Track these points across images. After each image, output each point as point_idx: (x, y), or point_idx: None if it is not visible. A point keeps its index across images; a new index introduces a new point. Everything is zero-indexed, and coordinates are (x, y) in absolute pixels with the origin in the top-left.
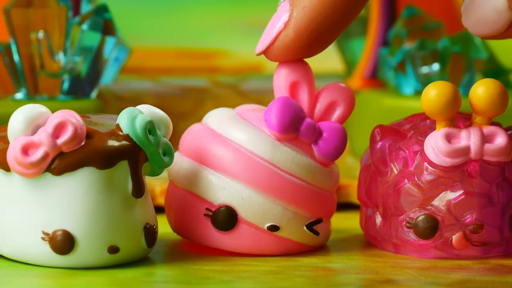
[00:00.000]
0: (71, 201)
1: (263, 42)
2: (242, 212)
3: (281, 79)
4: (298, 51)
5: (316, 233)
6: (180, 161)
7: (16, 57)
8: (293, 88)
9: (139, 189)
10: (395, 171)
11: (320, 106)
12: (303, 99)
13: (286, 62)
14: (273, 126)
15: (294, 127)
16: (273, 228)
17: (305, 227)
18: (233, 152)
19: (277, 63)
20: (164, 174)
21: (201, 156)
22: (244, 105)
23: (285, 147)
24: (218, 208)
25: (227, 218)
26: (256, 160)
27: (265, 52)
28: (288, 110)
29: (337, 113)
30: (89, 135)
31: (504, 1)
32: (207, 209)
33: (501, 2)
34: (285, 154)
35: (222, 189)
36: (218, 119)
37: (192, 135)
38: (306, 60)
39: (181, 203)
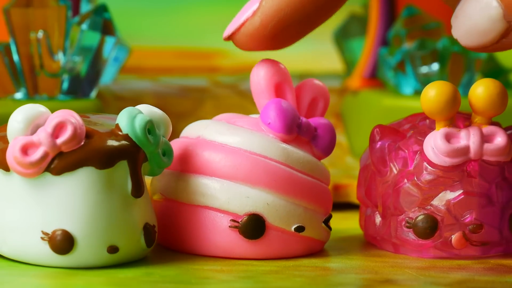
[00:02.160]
0: (70, 201)
1: (230, 27)
2: (269, 217)
3: (264, 82)
4: (263, 40)
5: (330, 228)
6: (181, 177)
7: (15, 57)
8: (278, 89)
9: (138, 189)
10: (395, 171)
11: (302, 105)
12: (288, 99)
13: (263, 64)
14: (278, 128)
15: (296, 126)
16: (300, 229)
17: (322, 224)
18: (248, 160)
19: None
20: None
21: (212, 169)
22: (220, 115)
23: (292, 148)
24: (245, 217)
25: (256, 226)
26: (273, 164)
27: (231, 37)
28: (287, 111)
29: (319, 109)
30: (89, 135)
31: (499, 10)
32: (232, 220)
33: (495, 11)
34: (295, 154)
35: (246, 198)
36: (215, 130)
37: (187, 150)
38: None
39: (193, 220)
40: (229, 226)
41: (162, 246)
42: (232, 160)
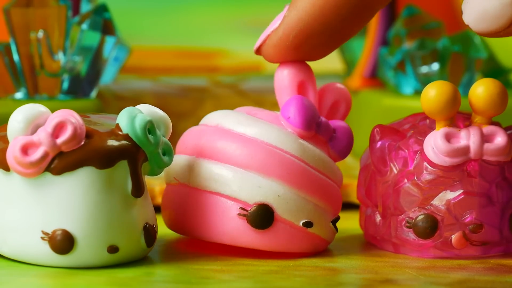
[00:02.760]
0: (70, 201)
1: (259, 40)
2: (279, 209)
3: (288, 79)
4: (287, 51)
5: (336, 229)
6: (196, 163)
7: (15, 57)
8: (301, 87)
9: (138, 189)
10: (395, 171)
11: (324, 106)
12: (310, 98)
13: (289, 63)
14: (297, 123)
15: (315, 124)
16: (308, 224)
17: (330, 224)
18: (264, 151)
19: (277, 64)
20: (164, 174)
21: (227, 157)
22: (243, 107)
23: (309, 144)
24: (254, 206)
25: (265, 216)
26: (288, 158)
27: (258, 49)
28: (308, 108)
29: (340, 112)
30: (89, 135)
31: None
32: (241, 208)
33: None
34: (311, 151)
35: (258, 188)
36: (234, 120)
37: (207, 137)
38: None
39: (203, 205)
40: (238, 214)
41: (166, 245)
42: (248, 149)
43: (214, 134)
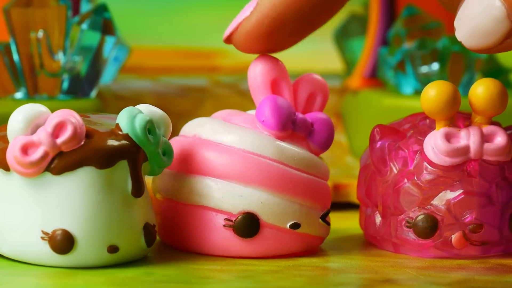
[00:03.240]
0: (70, 201)
1: (229, 28)
2: (264, 215)
3: (260, 78)
4: (259, 39)
5: (328, 223)
6: (178, 177)
7: (15, 57)
8: (274, 85)
9: (138, 189)
10: (395, 171)
11: (300, 100)
12: (285, 95)
13: (259, 61)
14: (272, 125)
15: (291, 123)
16: (295, 226)
17: (320, 220)
18: (241, 158)
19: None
20: None
21: (206, 169)
22: (218, 112)
23: (287, 145)
24: (238, 216)
25: (250, 225)
26: (266, 162)
27: (229, 38)
28: (282, 108)
29: (317, 104)
30: (89, 135)
31: (502, 9)
32: (226, 219)
33: (498, 11)
34: (289, 151)
35: (239, 197)
36: (210, 128)
37: (184, 149)
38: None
39: (190, 219)
40: (224, 225)
41: (166, 245)
42: (225, 159)
43: (192, 146)
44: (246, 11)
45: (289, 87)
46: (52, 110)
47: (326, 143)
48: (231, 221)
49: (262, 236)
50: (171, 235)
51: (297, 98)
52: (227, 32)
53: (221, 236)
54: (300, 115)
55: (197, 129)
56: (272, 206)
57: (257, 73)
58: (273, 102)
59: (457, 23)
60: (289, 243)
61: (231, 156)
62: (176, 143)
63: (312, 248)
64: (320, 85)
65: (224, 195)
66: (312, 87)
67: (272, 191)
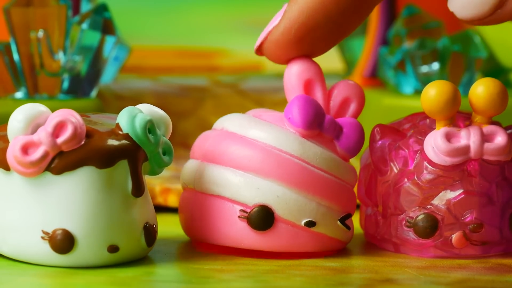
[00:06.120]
0: (70, 200)
1: (259, 38)
2: (279, 210)
3: (294, 78)
4: (289, 46)
5: (348, 227)
6: (201, 167)
7: (16, 56)
8: (307, 86)
9: (139, 188)
10: (395, 170)
11: (333, 103)
12: (318, 97)
13: (296, 61)
14: (297, 123)
15: (318, 123)
16: (310, 224)
17: (338, 222)
18: (262, 152)
19: (278, 65)
20: (165, 173)
21: (228, 159)
22: (255, 109)
23: (311, 143)
24: (254, 208)
25: (264, 218)
26: (287, 158)
27: (260, 48)
28: (310, 107)
29: (351, 110)
30: (89, 134)
31: None
32: (241, 210)
33: None
34: (313, 149)
35: (256, 189)
36: (237, 122)
37: (210, 140)
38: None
39: (208, 209)
40: (239, 216)
41: (166, 245)
42: (246, 151)
43: (217, 138)
44: (275, 20)
45: (323, 89)
46: (52, 110)
47: (354, 148)
48: (246, 212)
49: (276, 230)
50: (190, 225)
51: (330, 101)
52: (257, 42)
53: (235, 227)
54: (329, 117)
55: (225, 122)
56: (288, 201)
57: (292, 73)
58: (302, 101)
59: None
60: (304, 240)
61: (252, 148)
62: (204, 135)
63: (330, 250)
64: (356, 92)
65: (241, 186)
66: (347, 92)
67: (290, 186)
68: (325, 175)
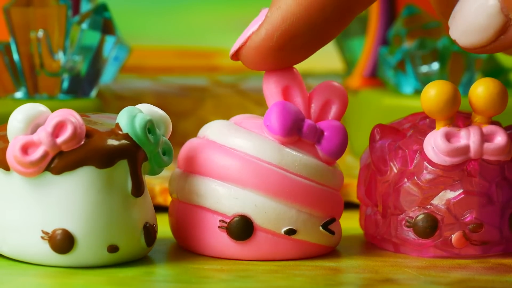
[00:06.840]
0: (70, 200)
1: (236, 43)
2: (258, 219)
3: (272, 86)
4: (269, 53)
5: (332, 232)
6: (184, 177)
7: (15, 56)
8: (285, 92)
9: (138, 188)
10: (395, 170)
11: (315, 107)
12: (297, 101)
13: (273, 70)
14: (275, 130)
15: (296, 129)
16: (290, 232)
17: (321, 228)
18: (240, 161)
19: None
20: (165, 173)
21: (207, 169)
22: (238, 115)
23: (290, 150)
24: (232, 218)
25: (243, 228)
26: (265, 166)
27: (237, 53)
28: (288, 113)
29: (333, 111)
30: (89, 134)
31: (496, 3)
32: (221, 221)
33: (492, 5)
34: (291, 156)
35: (235, 199)
36: (217, 131)
37: (192, 150)
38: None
39: (191, 219)
40: (218, 227)
41: (165, 245)
42: (225, 160)
43: (199, 146)
44: (254, 25)
45: (302, 93)
46: (52, 110)
47: (336, 151)
48: (225, 222)
49: (256, 239)
50: (178, 234)
51: (312, 105)
52: (234, 48)
53: (215, 237)
54: (309, 122)
55: (207, 130)
56: (267, 210)
57: (270, 81)
58: (280, 108)
59: (451, 21)
60: (285, 249)
61: (231, 158)
62: (187, 143)
63: (312, 256)
64: (337, 93)
65: (220, 196)
66: (328, 94)
67: (268, 195)
68: (304, 182)
